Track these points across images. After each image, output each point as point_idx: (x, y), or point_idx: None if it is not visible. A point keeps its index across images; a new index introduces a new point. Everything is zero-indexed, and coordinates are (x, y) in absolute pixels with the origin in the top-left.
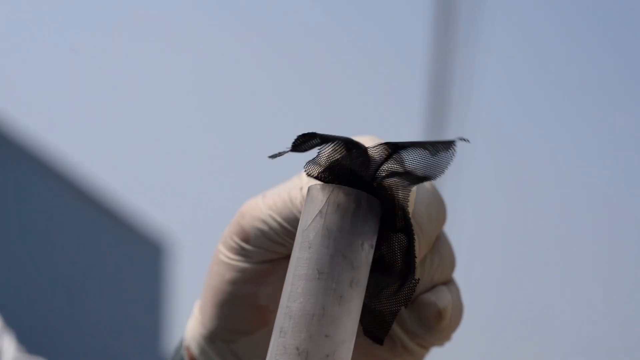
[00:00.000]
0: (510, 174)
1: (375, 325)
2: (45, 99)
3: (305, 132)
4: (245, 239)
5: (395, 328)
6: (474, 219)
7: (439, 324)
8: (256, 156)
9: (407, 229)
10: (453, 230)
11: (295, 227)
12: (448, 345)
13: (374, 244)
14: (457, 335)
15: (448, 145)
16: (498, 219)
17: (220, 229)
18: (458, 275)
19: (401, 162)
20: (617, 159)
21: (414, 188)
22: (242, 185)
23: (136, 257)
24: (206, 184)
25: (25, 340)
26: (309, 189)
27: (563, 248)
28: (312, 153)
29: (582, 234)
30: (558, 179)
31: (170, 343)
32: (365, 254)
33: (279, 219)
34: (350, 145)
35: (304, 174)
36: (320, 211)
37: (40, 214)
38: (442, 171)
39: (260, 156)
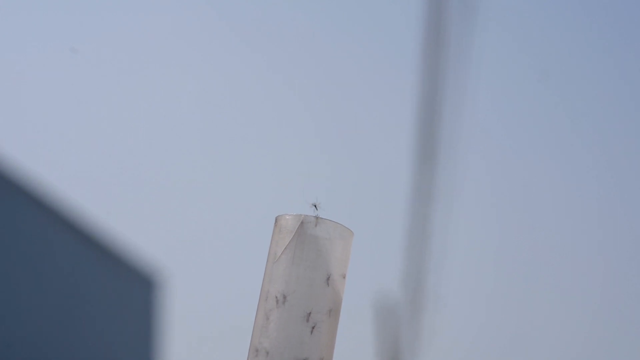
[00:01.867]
0: (504, 187)
1: None
2: (33, 129)
3: None
4: None
5: None
6: (468, 236)
7: None
8: (249, 188)
9: None
10: (447, 249)
11: None
12: (444, 354)
13: (346, 273)
14: (457, 348)
15: None
16: (492, 234)
17: (212, 263)
18: (454, 289)
19: None
20: (613, 172)
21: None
22: (235, 219)
23: (128, 291)
24: (198, 218)
25: None
26: (276, 219)
27: (557, 262)
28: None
29: (577, 248)
30: (553, 193)
31: None
32: (341, 282)
33: None
34: None
35: None
36: (290, 241)
37: (31, 248)
38: None
39: (253, 188)
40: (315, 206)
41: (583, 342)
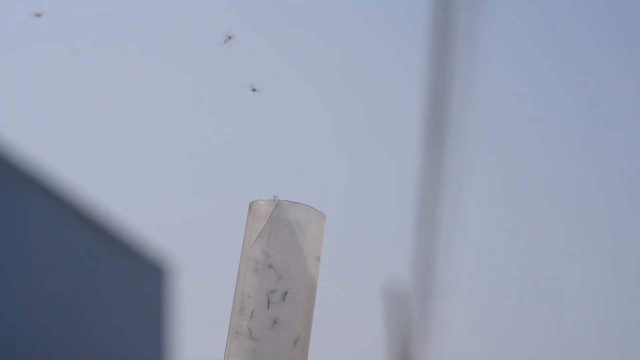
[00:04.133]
0: (512, 179)
1: None
2: (43, 118)
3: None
4: None
5: None
6: (477, 223)
7: None
8: (258, 178)
9: None
10: (458, 240)
11: None
12: (459, 345)
13: (320, 255)
14: (467, 336)
15: None
16: (501, 221)
17: (221, 252)
18: (465, 280)
19: None
20: (622, 162)
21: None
22: (244, 208)
23: (138, 279)
24: (208, 207)
25: None
26: (250, 205)
27: (566, 250)
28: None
29: (587, 235)
30: (562, 185)
31: None
32: (315, 266)
33: None
34: None
35: None
36: (265, 226)
37: (42, 238)
38: None
39: (263, 178)
40: (254, 89)
41: (591, 325)
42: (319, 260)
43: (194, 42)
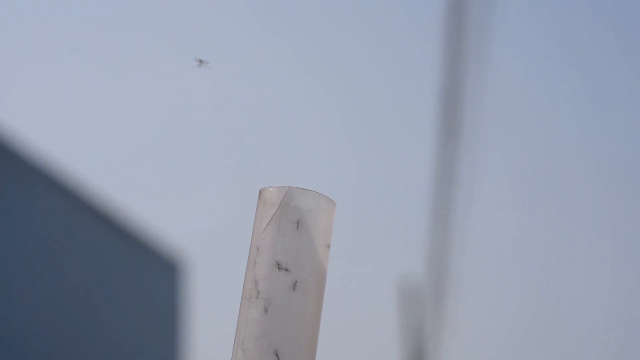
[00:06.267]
0: (524, 177)
1: None
2: (54, 112)
3: None
4: None
5: None
6: (490, 219)
7: None
8: (273, 174)
9: None
10: (466, 239)
11: None
12: (471, 342)
13: (329, 243)
14: (479, 332)
15: None
16: (513, 218)
17: (235, 249)
18: (477, 277)
19: None
20: (632, 164)
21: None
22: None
23: (152, 276)
24: (223, 204)
25: None
26: (260, 192)
27: (579, 248)
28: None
29: (598, 232)
30: (573, 186)
31: None
32: (325, 254)
33: None
34: None
35: None
36: (275, 213)
37: (54, 234)
38: None
39: (277, 174)
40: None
41: (601, 322)
42: (328, 247)
43: (203, 35)
